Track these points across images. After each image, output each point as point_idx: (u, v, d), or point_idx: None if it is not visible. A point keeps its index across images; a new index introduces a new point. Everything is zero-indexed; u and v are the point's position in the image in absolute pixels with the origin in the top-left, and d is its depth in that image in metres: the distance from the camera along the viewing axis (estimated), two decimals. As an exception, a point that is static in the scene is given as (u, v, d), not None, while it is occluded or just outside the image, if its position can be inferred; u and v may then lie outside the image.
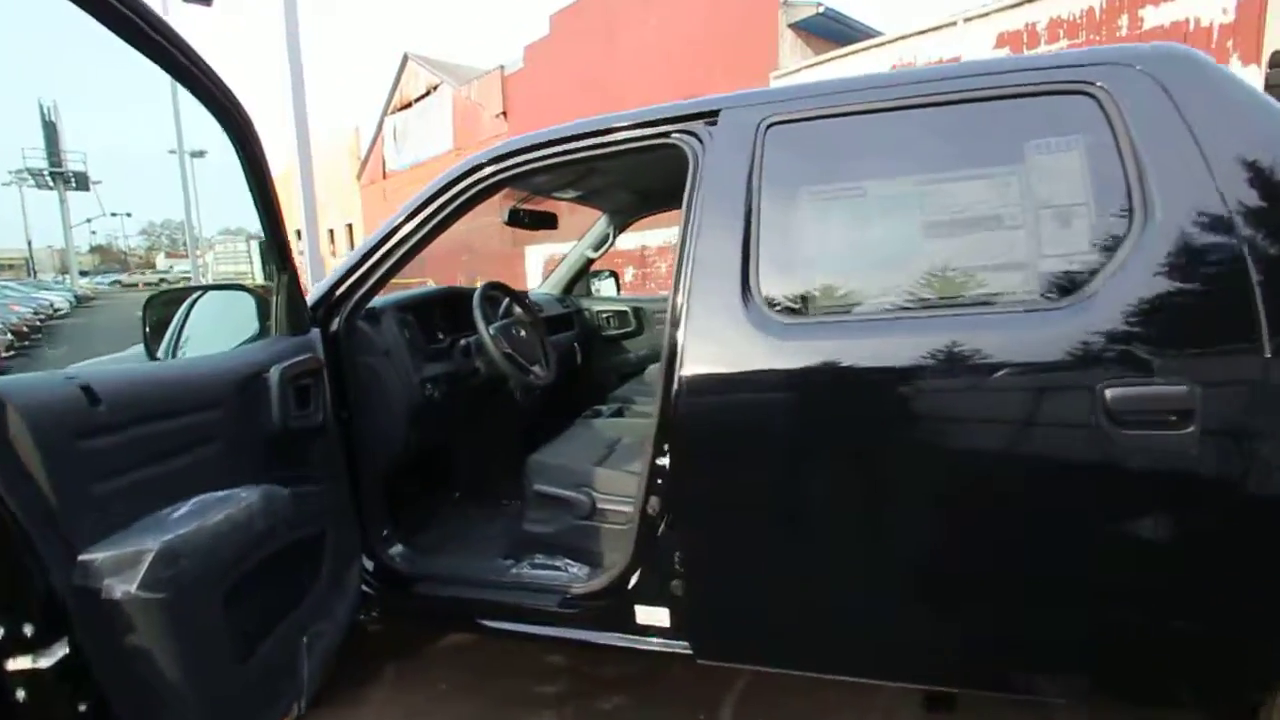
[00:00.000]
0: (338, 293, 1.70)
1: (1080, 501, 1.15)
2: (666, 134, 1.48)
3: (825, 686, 1.48)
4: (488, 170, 1.62)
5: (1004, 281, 1.24)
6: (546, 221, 2.71)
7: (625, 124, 1.52)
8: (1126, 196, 1.16)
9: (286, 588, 1.30)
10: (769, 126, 1.37)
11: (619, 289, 3.65)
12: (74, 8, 0.89)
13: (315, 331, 1.60)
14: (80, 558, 0.86)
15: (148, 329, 1.61)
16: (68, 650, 0.83)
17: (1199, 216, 1.11)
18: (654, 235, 11.44)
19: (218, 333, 1.59)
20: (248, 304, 1.58)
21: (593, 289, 3.45)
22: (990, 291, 1.23)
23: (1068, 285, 1.18)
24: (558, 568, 1.70)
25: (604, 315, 3.27)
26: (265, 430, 1.32)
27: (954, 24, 8.21)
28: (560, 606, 1.57)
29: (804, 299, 1.33)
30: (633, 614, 1.49)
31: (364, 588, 1.68)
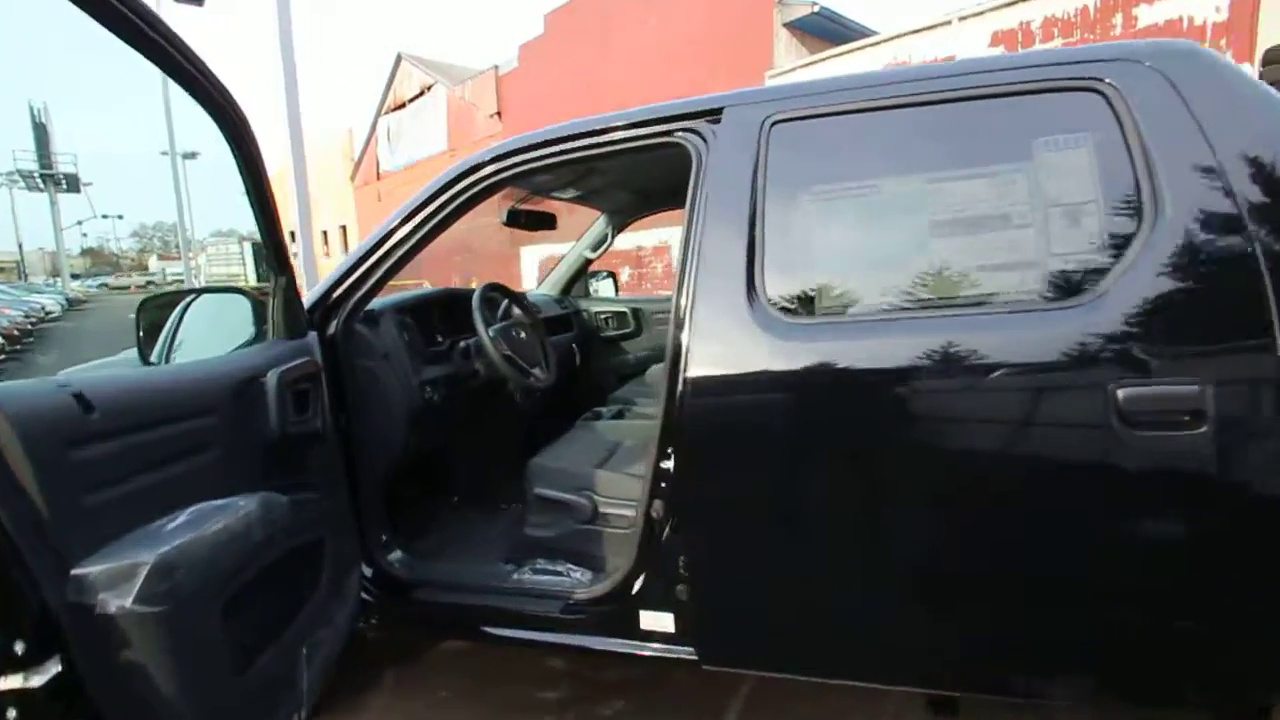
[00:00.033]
0: (335, 295, 1.67)
1: (1094, 503, 1.14)
2: (669, 132, 1.46)
3: (831, 691, 1.46)
4: (489, 169, 1.60)
5: (1014, 281, 1.22)
6: (545, 222, 2.69)
7: (627, 122, 1.50)
8: (1136, 194, 1.14)
9: (285, 597, 1.27)
10: (773, 124, 1.35)
11: (617, 290, 3.63)
12: (64, 8, 0.86)
13: (312, 335, 1.58)
14: (73, 572, 0.83)
15: (141, 333, 1.59)
16: (60, 668, 0.80)
17: (1209, 214, 1.10)
18: (649, 235, 11.43)
19: (213, 336, 1.56)
20: (243, 307, 1.55)
21: (591, 290, 3.43)
22: (1000, 291, 1.22)
23: (1078, 284, 1.16)
24: (560, 573, 1.68)
25: (602, 316, 3.25)
26: (263, 436, 1.30)
27: (949, 23, 8.22)
28: (563, 612, 1.55)
29: (810, 299, 1.31)
30: (637, 619, 1.46)
31: (363, 595, 1.65)
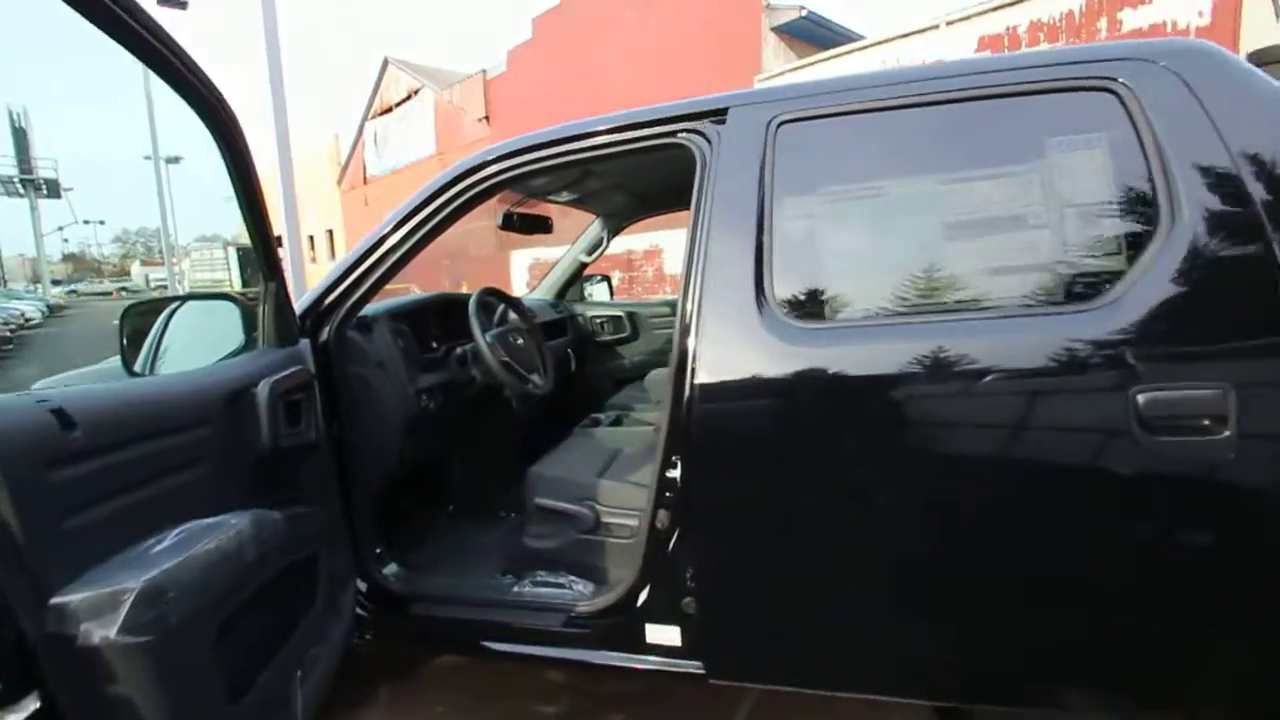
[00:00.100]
0: (327, 301, 1.62)
1: (1116, 511, 1.11)
2: (673, 133, 1.43)
3: (837, 701, 1.43)
4: (491, 170, 1.56)
5: (1029, 284, 1.20)
6: (540, 225, 2.64)
7: (630, 123, 1.47)
8: (1152, 195, 1.13)
9: (278, 617, 1.22)
10: (780, 125, 1.33)
11: (612, 294, 3.60)
12: (44, 9, 0.81)
13: (304, 342, 1.53)
14: (52, 601, 0.78)
15: (125, 341, 1.53)
16: (39, 704, 0.75)
17: (1226, 214, 1.08)
18: (640, 239, 11.41)
19: (200, 345, 1.51)
20: (232, 314, 1.49)
21: (585, 294, 3.40)
22: (1015, 294, 1.19)
23: (1095, 287, 1.14)
24: (562, 585, 1.63)
25: (598, 321, 3.21)
26: (254, 450, 1.24)
27: (936, 27, 8.29)
28: (565, 626, 1.50)
29: (821, 303, 1.28)
30: (642, 633, 1.42)
31: (358, 610, 1.60)
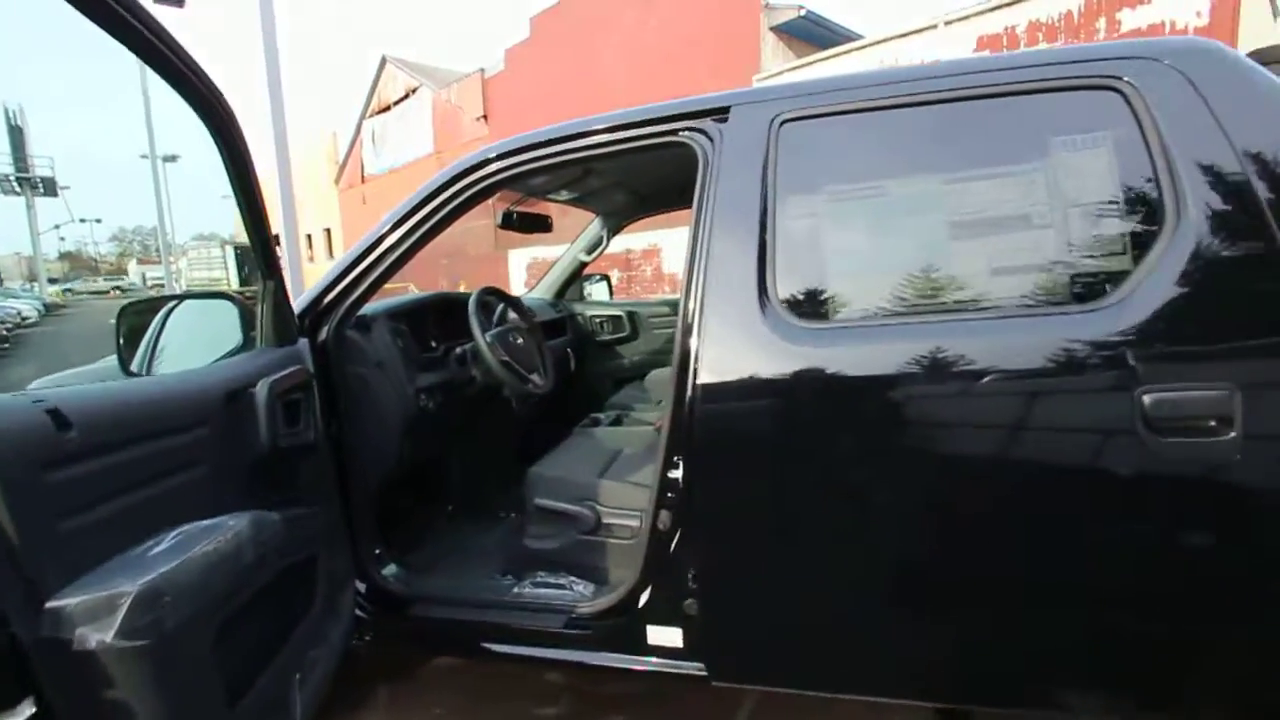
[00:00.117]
0: (326, 300, 1.60)
1: (1123, 511, 1.11)
2: (675, 131, 1.42)
3: (838, 702, 1.42)
4: (495, 166, 1.55)
5: (1034, 284, 1.19)
6: (540, 224, 2.63)
7: (632, 120, 1.45)
8: (1157, 194, 1.12)
9: (278, 619, 1.20)
10: (783, 123, 1.32)
11: (611, 293, 3.58)
12: (41, 6, 0.80)
13: (303, 342, 1.51)
14: (48, 604, 0.76)
15: (121, 340, 1.51)
16: (34, 710, 0.74)
17: (1232, 213, 1.08)
18: (639, 238, 11.40)
19: (197, 344, 1.49)
20: (230, 313, 1.48)
21: (584, 293, 3.38)
22: (1021, 294, 1.18)
23: (1100, 287, 1.13)
24: (562, 586, 1.62)
25: (597, 320, 3.20)
26: (253, 451, 1.23)
27: (935, 27, 8.29)
28: (566, 627, 1.49)
29: (824, 303, 1.27)
30: (644, 634, 1.42)
31: (357, 611, 1.59)
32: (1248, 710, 1.15)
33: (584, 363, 3.10)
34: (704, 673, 1.38)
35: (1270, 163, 1.07)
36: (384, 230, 1.59)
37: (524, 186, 2.35)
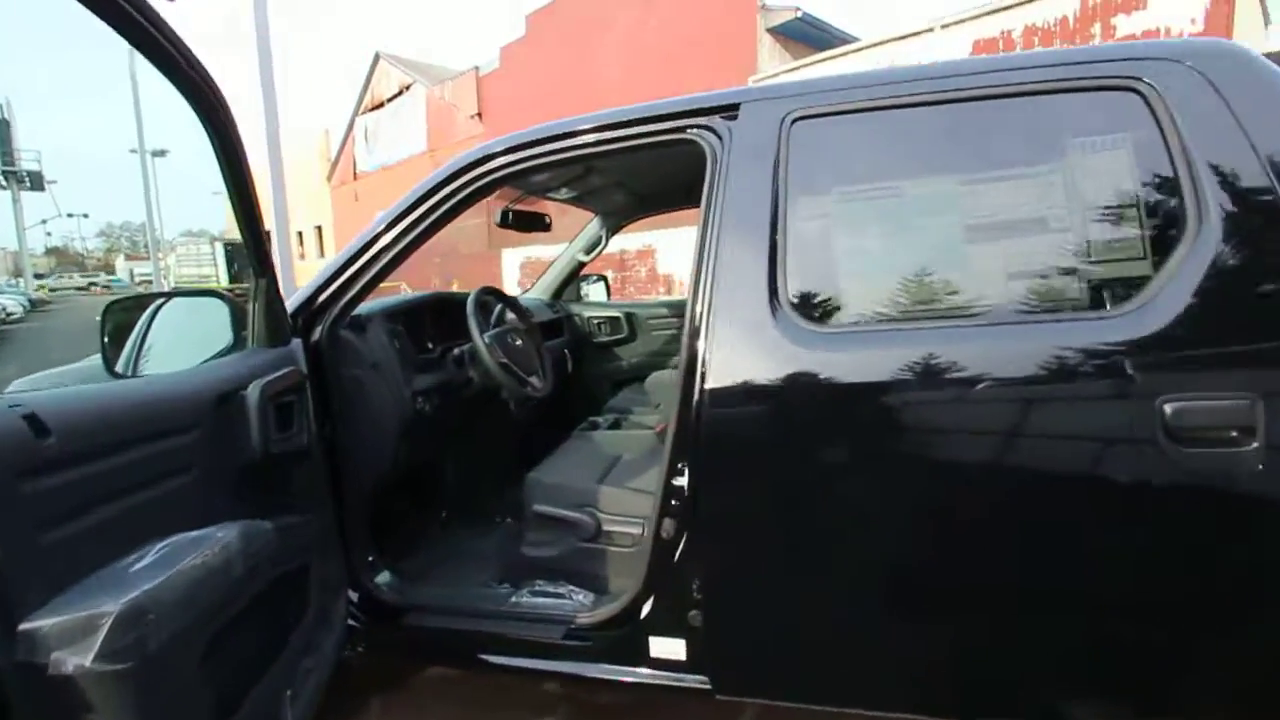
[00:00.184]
0: (320, 299, 1.55)
1: (1145, 523, 1.08)
2: (682, 128, 1.38)
3: (846, 716, 1.40)
4: (500, 161, 1.50)
5: (1053, 288, 1.16)
6: (538, 223, 2.59)
7: (638, 117, 1.42)
8: (1178, 198, 1.10)
9: (268, 632, 1.15)
10: (794, 121, 1.28)
11: (609, 294, 3.54)
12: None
13: (296, 342, 1.46)
14: (21, 627, 0.71)
15: (106, 339, 1.46)
16: None
17: (1255, 217, 1.06)
18: (634, 239, 11.35)
19: (186, 344, 1.44)
20: (220, 312, 1.42)
21: (582, 293, 3.34)
22: (1039, 299, 1.15)
23: (1120, 293, 1.11)
24: (561, 595, 1.58)
25: (595, 321, 3.15)
26: (243, 456, 1.17)
27: (931, 30, 8.30)
28: (565, 638, 1.45)
29: (836, 307, 1.24)
30: (646, 646, 1.38)
31: (349, 621, 1.54)
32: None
33: (581, 365, 3.06)
34: (708, 686, 1.34)
35: None
36: (381, 227, 1.55)
37: (525, 184, 2.31)
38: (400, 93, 19.76)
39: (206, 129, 1.12)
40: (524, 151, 1.49)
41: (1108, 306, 1.10)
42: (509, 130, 1.56)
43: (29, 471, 0.75)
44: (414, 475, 2.03)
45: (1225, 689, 1.11)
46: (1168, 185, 1.11)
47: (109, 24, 0.91)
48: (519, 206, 2.50)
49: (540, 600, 1.58)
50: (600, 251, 2.99)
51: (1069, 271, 1.16)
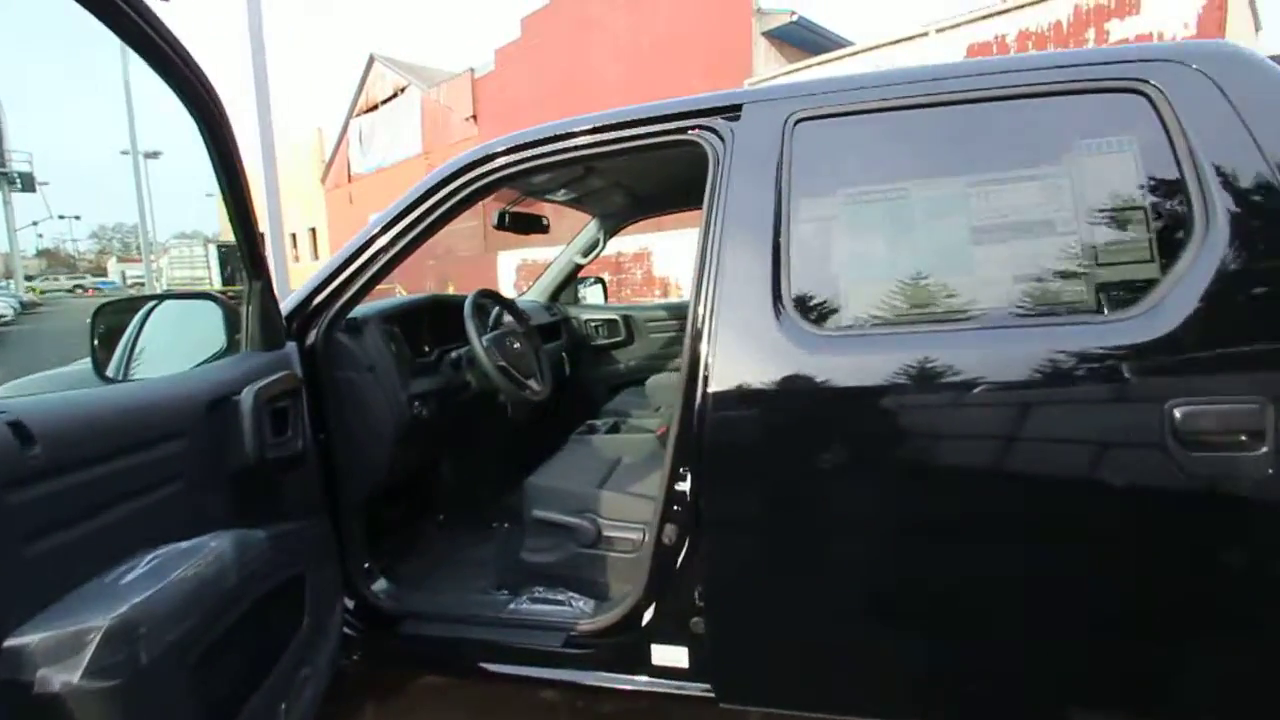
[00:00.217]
0: (316, 301, 1.53)
1: (1153, 530, 1.07)
2: (684, 129, 1.36)
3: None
4: (501, 161, 1.48)
5: (1060, 292, 1.15)
6: (536, 225, 2.56)
7: (640, 118, 1.40)
8: (1185, 200, 1.09)
9: (262, 642, 1.13)
10: (797, 122, 1.27)
11: (606, 296, 3.52)
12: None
13: (291, 345, 1.44)
14: (6, 643, 0.69)
15: (96, 342, 1.43)
16: None
17: (1262, 220, 1.05)
18: (630, 241, 11.34)
19: (178, 347, 1.42)
20: (213, 314, 1.40)
21: (579, 296, 3.32)
22: (1046, 302, 1.14)
23: (1127, 296, 1.10)
24: (561, 602, 1.56)
25: (593, 324, 3.13)
26: (237, 463, 1.15)
27: (925, 34, 8.33)
28: (565, 646, 1.43)
29: (842, 309, 1.22)
30: (648, 653, 1.36)
31: (345, 629, 1.51)
32: None
33: (579, 367, 3.04)
34: (711, 694, 1.32)
35: None
36: (378, 228, 1.52)
37: (524, 185, 2.28)
38: (395, 95, 19.73)
39: (201, 130, 1.10)
40: (525, 151, 1.47)
41: (1115, 310, 1.09)
42: (504, 133, 1.54)
43: (14, 482, 0.73)
44: (411, 480, 2.00)
45: (1238, 697, 1.10)
46: (1174, 187, 1.10)
47: (107, 24, 0.89)
48: (516, 209, 2.48)
49: (540, 607, 1.55)
50: (598, 254, 2.97)
51: (1077, 274, 1.15)
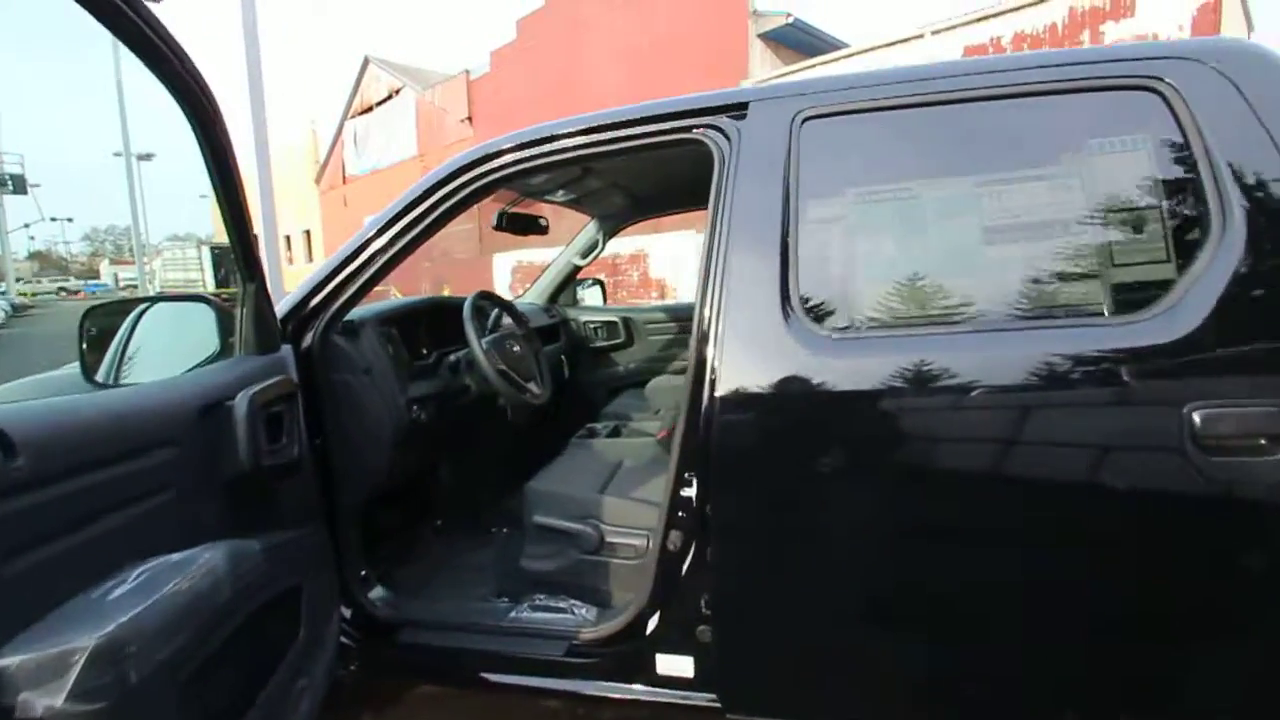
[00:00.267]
0: (312, 303, 1.49)
1: (1173, 536, 1.05)
2: (689, 128, 1.34)
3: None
4: (502, 160, 1.45)
5: (1074, 293, 1.13)
6: (534, 226, 2.53)
7: (644, 116, 1.37)
8: (1201, 199, 1.07)
9: (257, 656, 1.09)
10: (805, 120, 1.24)
11: (605, 298, 3.49)
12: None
13: (286, 349, 1.40)
14: None
15: (85, 345, 1.39)
16: None
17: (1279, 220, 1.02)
18: (627, 243, 11.32)
19: (170, 351, 1.38)
20: (207, 317, 1.36)
21: (577, 298, 3.29)
22: (1060, 303, 1.12)
23: (1143, 297, 1.08)
24: (563, 610, 1.53)
25: (592, 326, 3.10)
26: (230, 470, 1.11)
27: (921, 36, 8.34)
28: (567, 655, 1.40)
29: (851, 311, 1.20)
30: (653, 663, 1.33)
31: (342, 638, 1.48)
32: None
33: (578, 370, 3.00)
34: (717, 704, 1.29)
35: None
36: (375, 229, 1.49)
37: (524, 185, 2.25)
38: (390, 97, 19.67)
39: (196, 131, 1.07)
40: (526, 150, 1.44)
41: (1131, 311, 1.07)
42: (499, 134, 1.51)
43: None
44: (409, 485, 1.97)
45: (1260, 704, 1.08)
46: (1190, 186, 1.08)
47: (104, 24, 0.86)
48: (515, 209, 2.45)
49: (541, 615, 1.52)
50: (597, 255, 2.94)
51: (1091, 275, 1.13)
